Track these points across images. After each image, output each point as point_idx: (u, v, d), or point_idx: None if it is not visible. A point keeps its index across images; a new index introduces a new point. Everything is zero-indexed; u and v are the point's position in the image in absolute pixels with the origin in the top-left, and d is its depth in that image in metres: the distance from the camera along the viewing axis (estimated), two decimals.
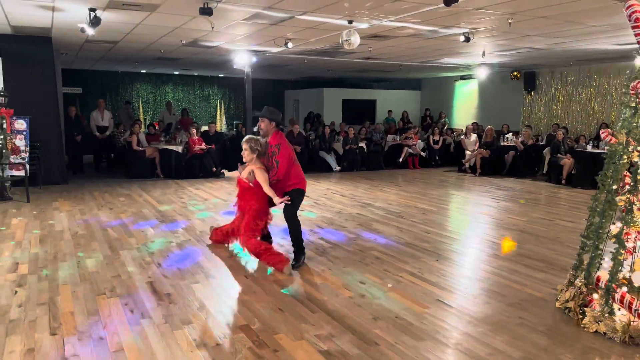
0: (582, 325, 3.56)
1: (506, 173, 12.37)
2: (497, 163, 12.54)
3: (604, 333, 3.43)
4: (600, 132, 4.07)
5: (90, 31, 6.96)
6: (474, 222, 7.28)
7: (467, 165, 12.89)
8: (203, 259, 5.20)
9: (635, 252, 3.68)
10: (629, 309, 3.40)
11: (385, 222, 7.03)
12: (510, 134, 13.39)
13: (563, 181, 10.82)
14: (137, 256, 5.25)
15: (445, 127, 16.14)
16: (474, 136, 13.26)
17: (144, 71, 17.89)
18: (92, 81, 17.28)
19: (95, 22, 6.79)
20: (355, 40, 7.54)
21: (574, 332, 3.51)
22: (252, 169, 5.05)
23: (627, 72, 3.85)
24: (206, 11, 6.45)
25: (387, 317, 3.73)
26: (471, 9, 6.83)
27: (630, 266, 3.65)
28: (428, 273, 4.79)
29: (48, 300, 3.99)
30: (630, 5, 3.66)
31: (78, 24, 7.13)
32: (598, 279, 3.76)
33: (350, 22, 7.57)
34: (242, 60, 11.28)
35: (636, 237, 3.65)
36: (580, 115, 14.04)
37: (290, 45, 9.49)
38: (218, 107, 20.17)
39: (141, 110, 18.48)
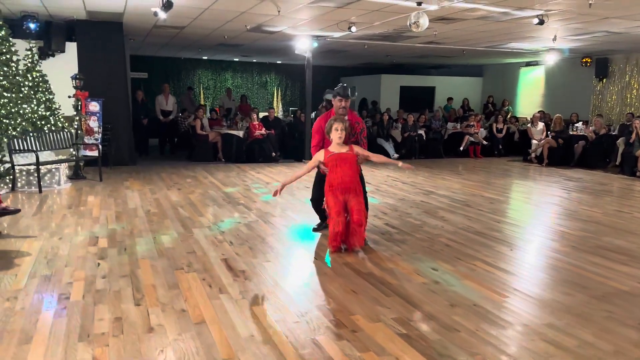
0: None
1: (575, 164, 11.80)
2: (566, 153, 11.99)
3: None
4: None
5: (162, 15, 7.13)
6: (545, 213, 6.99)
7: (533, 155, 12.40)
8: (272, 240, 5.26)
9: None
10: None
11: (452, 210, 6.87)
12: (580, 123, 12.74)
13: (638, 173, 10.21)
14: (209, 234, 5.37)
15: (509, 115, 15.56)
16: (541, 125, 12.72)
17: (205, 58, 18.27)
18: (156, 67, 17.83)
19: (167, 5, 6.94)
20: (424, 22, 7.34)
21: None
22: (358, 151, 4.89)
23: None
24: None
25: (464, 305, 3.63)
26: None
27: None
28: (502, 262, 4.63)
29: (129, 272, 4.15)
30: None
31: (151, 7, 7.31)
32: None
33: (419, 3, 7.37)
34: (304, 45, 11.28)
35: None
36: None
37: (354, 29, 9.38)
38: (275, 94, 20.34)
39: (202, 96, 18.90)
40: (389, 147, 12.89)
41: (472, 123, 13.64)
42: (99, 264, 4.35)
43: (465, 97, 17.28)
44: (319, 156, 4.98)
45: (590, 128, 12.04)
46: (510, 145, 13.96)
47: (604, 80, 14.52)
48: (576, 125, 12.68)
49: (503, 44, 12.43)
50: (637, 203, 7.61)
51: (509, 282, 4.13)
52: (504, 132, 13.98)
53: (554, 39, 11.07)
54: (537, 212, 7.12)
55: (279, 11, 8.13)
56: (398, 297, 3.74)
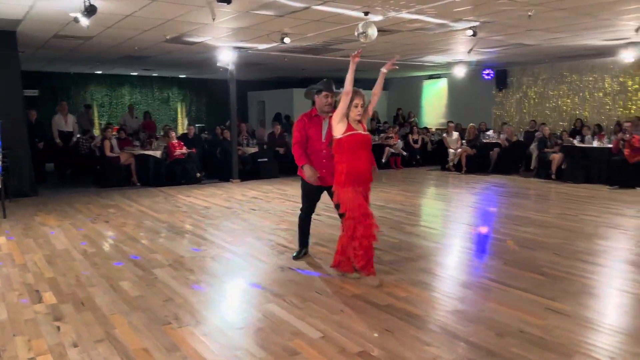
0: None
1: (492, 170, 12.40)
2: (482, 160, 12.56)
3: None
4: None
5: (85, 21, 6.12)
6: (506, 220, 7.06)
7: (451, 163, 12.82)
8: (253, 273, 4.60)
9: None
10: None
11: (415, 223, 6.68)
12: (491, 131, 13.47)
13: (553, 176, 10.94)
14: (175, 274, 4.57)
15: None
16: (455, 134, 13.23)
17: (99, 72, 16.62)
18: (44, 83, 15.83)
19: (90, 10, 5.97)
20: (373, 32, 7.10)
21: None
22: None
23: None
24: None
25: (510, 332, 3.33)
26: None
27: None
28: (512, 279, 4.43)
29: (105, 335, 3.29)
30: None
31: (70, 13, 6.25)
32: None
33: (366, 13, 7.17)
34: (226, 57, 10.58)
35: None
36: (553, 112, 14.38)
37: (287, 40, 8.95)
38: (179, 110, 19.14)
39: (96, 114, 17.17)
40: None
41: (391, 135, 13.83)
42: (59, 328, 3.41)
43: (375, 110, 17.58)
44: (341, 127, 4.06)
45: (502, 136, 12.75)
46: (426, 156, 14.38)
47: (503, 90, 15.58)
48: (487, 133, 13.38)
49: (419, 57, 12.78)
50: (575, 205, 8.01)
51: (535, 301, 3.93)
52: (419, 142, 14.37)
53: (469, 51, 11.59)
54: (497, 219, 7.18)
55: (213, 18, 7.45)
56: (437, 331, 3.35)
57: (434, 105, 17.94)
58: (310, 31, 8.69)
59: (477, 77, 15.75)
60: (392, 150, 13.63)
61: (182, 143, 11.17)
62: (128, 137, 12.03)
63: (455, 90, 17.03)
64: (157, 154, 10.97)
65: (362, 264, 4.16)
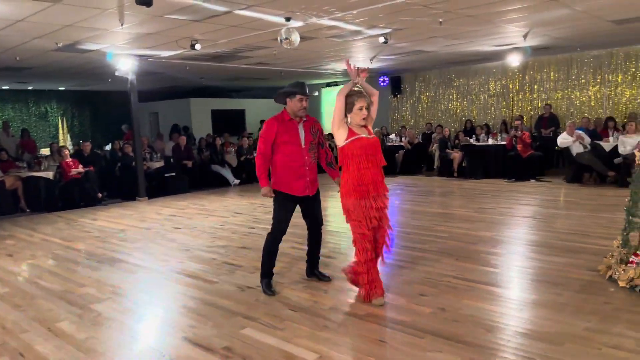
0: None
1: (399, 172, 12.90)
2: (388, 163, 12.99)
3: None
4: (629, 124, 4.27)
5: None
6: (437, 216, 7.29)
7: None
8: (215, 294, 4.21)
9: None
10: None
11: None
12: (394, 134, 14.03)
13: (455, 174, 11.65)
14: (121, 308, 4.03)
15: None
16: None
17: None
18: None
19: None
20: (296, 38, 7.00)
21: None
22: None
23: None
24: (144, 1, 5.35)
25: (496, 328, 3.39)
26: (413, 6, 6.86)
27: None
28: (468, 273, 4.55)
29: None
30: None
31: None
32: None
33: (288, 19, 7.03)
34: (126, 66, 9.78)
35: None
36: (444, 114, 15.37)
37: (198, 46, 8.49)
38: (60, 125, 17.38)
39: None
40: (226, 173, 12.11)
41: None
42: None
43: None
44: (341, 134, 3.73)
45: (404, 139, 13.33)
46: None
47: (398, 96, 16.34)
48: (390, 137, 13.92)
49: (322, 65, 12.91)
50: (488, 199, 8.55)
51: (492, 292, 4.06)
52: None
53: (372, 59, 11.98)
54: (426, 217, 7.38)
55: (122, 24, 6.82)
56: (430, 335, 3.30)
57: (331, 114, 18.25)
58: (224, 37, 8.33)
59: (373, 84, 16.33)
60: None
61: (77, 161, 10.10)
62: (10, 158, 10.62)
63: None
64: (49, 175, 9.82)
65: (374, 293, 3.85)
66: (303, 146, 4.19)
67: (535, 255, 5.02)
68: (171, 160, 11.59)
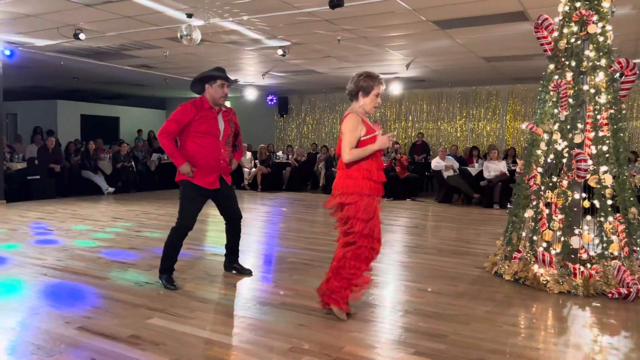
0: (547, 288, 4.11)
1: (285, 188, 12.98)
2: (275, 179, 13.06)
3: (568, 291, 4.05)
4: (526, 123, 4.80)
5: None
6: (328, 225, 7.41)
7: (246, 182, 12.97)
8: (96, 290, 3.78)
9: (552, 223, 4.47)
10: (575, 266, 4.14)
11: (292, 238, 6.52)
12: (281, 152, 14.15)
13: None
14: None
15: None
16: (249, 154, 13.47)
17: None
18: None
19: None
20: (197, 36, 6.82)
21: (544, 294, 4.03)
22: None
23: (543, 73, 4.70)
24: None
25: (411, 312, 3.52)
26: (317, 20, 7.08)
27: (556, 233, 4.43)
28: (374, 270, 4.66)
29: None
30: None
31: None
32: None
33: (189, 15, 6.81)
34: None
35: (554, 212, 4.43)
36: (328, 136, 15.92)
37: (82, 36, 7.80)
38: None
39: None
40: (100, 180, 11.15)
41: None
42: None
43: (151, 130, 16.60)
44: (360, 128, 3.27)
45: (291, 157, 13.50)
46: None
47: (285, 116, 16.59)
48: (277, 154, 14.01)
49: None
50: (385, 213, 8.92)
51: (410, 285, 4.23)
52: None
53: (264, 75, 12.06)
54: (332, 226, 7.47)
55: None
56: (353, 321, 3.31)
57: None
58: (113, 29, 7.80)
59: (261, 102, 16.35)
60: None
61: None
62: None
63: (241, 113, 17.28)
64: None
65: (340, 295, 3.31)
66: (220, 139, 4.00)
67: (428, 257, 5.33)
68: (36, 162, 10.39)
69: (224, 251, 4.44)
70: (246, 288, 4.01)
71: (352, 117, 3.34)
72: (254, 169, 12.99)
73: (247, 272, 4.37)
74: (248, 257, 5.02)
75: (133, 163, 12.01)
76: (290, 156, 13.63)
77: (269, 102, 16.09)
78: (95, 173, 11.26)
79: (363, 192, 3.26)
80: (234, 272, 4.38)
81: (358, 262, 3.27)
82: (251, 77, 12.67)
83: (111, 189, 11.11)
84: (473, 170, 10.98)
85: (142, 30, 7.79)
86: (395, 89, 12.46)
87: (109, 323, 3.13)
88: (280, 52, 8.77)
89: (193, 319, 3.24)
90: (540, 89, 4.65)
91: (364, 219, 3.24)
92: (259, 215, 8.46)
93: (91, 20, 7.27)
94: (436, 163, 11.05)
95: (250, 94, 14.05)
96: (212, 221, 7.11)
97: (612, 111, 4.28)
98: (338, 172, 3.43)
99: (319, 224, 7.75)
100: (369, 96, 3.38)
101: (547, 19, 4.52)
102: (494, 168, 10.26)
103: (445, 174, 10.86)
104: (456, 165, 11.05)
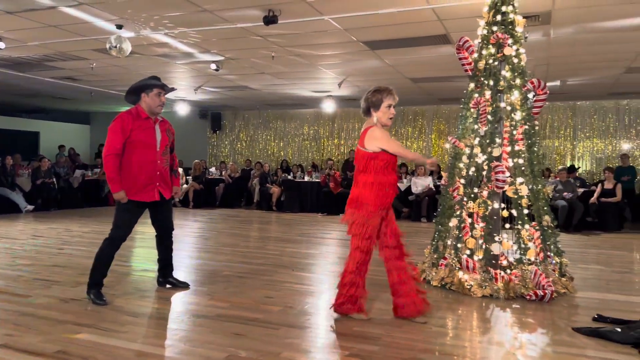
0: (471, 292, 4.35)
1: (218, 204, 12.80)
2: (208, 195, 12.86)
3: (490, 295, 4.31)
4: (449, 137, 5.08)
5: None
6: (263, 240, 7.39)
7: (177, 199, 12.65)
8: (17, 308, 3.57)
9: (474, 231, 4.75)
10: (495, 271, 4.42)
11: (224, 252, 6.38)
12: (214, 168, 13.96)
13: (274, 207, 12.06)
14: None
15: None
16: (180, 170, 13.15)
17: None
18: None
19: None
20: (127, 47, 6.65)
21: (468, 298, 4.26)
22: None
23: (464, 91, 5.01)
24: None
25: (343, 318, 3.61)
26: (252, 36, 7.16)
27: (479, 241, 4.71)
28: (306, 280, 4.74)
29: None
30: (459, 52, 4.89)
31: None
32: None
33: (119, 27, 6.66)
34: None
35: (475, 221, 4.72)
36: (262, 153, 15.92)
37: (2, 45, 7.40)
38: None
39: None
40: (17, 198, 10.47)
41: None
42: None
43: (72, 147, 15.81)
44: (387, 138, 3.40)
45: (225, 172, 13.37)
46: None
47: (218, 132, 16.43)
48: (210, 170, 13.82)
49: None
50: (307, 227, 9.02)
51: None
52: None
53: (197, 90, 11.93)
54: (267, 240, 7.43)
55: None
56: (285, 328, 3.34)
57: None
58: (37, 39, 7.46)
59: (193, 118, 16.09)
60: None
61: None
62: None
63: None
64: None
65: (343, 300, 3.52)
66: (158, 149, 3.92)
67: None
68: None
69: (153, 267, 4.33)
70: (180, 302, 3.93)
71: (376, 128, 3.44)
72: (185, 186, 12.72)
73: (184, 285, 4.28)
74: (181, 272, 4.91)
75: (54, 179, 11.40)
76: (223, 172, 13.49)
77: (202, 118, 15.90)
78: (12, 190, 10.57)
79: (377, 203, 3.42)
80: (168, 286, 4.28)
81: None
82: (183, 92, 12.49)
83: (30, 207, 10.46)
84: (402, 185, 11.37)
85: (67, 41, 7.52)
86: (329, 107, 12.73)
87: (33, 340, 2.96)
88: (213, 66, 8.75)
89: (124, 333, 3.14)
90: (461, 106, 4.96)
91: (372, 224, 3.47)
92: (191, 231, 8.31)
93: (12, 28, 6.93)
94: None
95: (182, 109, 13.82)
96: (140, 238, 6.91)
97: (526, 127, 4.66)
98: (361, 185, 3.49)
99: (253, 238, 7.74)
100: (380, 109, 3.47)
101: (467, 40, 4.87)
102: (421, 183, 10.71)
103: None
104: None
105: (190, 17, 6.36)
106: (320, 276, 4.99)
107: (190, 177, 12.90)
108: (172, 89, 4.10)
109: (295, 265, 5.41)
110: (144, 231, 8.23)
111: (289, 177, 12.59)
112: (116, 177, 3.75)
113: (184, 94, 12.89)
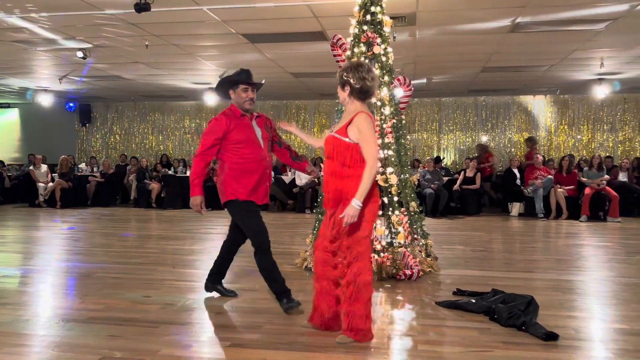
0: None
1: (90, 203, 11.97)
2: (77, 194, 11.96)
3: None
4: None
5: None
6: (141, 239, 7.07)
7: (42, 199, 11.61)
8: None
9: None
10: None
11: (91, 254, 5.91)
12: (84, 164, 13.01)
13: (153, 204, 11.58)
14: None
15: None
16: (44, 167, 12.11)
17: None
18: None
19: None
20: None
21: None
22: None
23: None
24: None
25: (227, 310, 3.62)
26: (119, 22, 6.79)
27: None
28: (188, 276, 4.66)
29: None
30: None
31: None
32: None
33: None
34: None
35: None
36: (139, 147, 15.14)
37: None
38: None
39: None
40: None
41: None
42: None
43: None
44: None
45: (97, 169, 12.52)
46: (5, 192, 12.44)
47: (88, 125, 15.29)
48: (80, 166, 12.86)
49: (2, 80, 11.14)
50: (203, 224, 8.81)
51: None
52: None
53: (62, 79, 11.00)
54: (145, 239, 7.08)
55: None
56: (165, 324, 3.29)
57: (3, 138, 15.69)
58: None
59: (59, 109, 14.80)
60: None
61: None
62: None
63: (33, 122, 15.35)
64: None
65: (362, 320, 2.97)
66: (262, 146, 3.62)
67: (245, 259, 5.47)
68: None
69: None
70: (47, 307, 3.67)
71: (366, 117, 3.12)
72: (50, 184, 11.70)
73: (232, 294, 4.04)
74: (47, 276, 4.57)
75: None
76: (95, 168, 12.62)
77: (69, 109, 14.70)
78: None
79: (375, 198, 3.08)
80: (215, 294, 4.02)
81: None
82: (45, 81, 11.46)
83: None
84: (287, 178, 11.56)
85: None
86: (210, 100, 12.48)
87: None
88: (80, 54, 8.13)
89: None
90: (337, 101, 5.19)
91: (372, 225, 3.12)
92: (58, 233, 7.70)
93: None
94: None
95: (45, 100, 12.64)
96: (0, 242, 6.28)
97: (394, 121, 5.02)
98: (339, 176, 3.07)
99: (130, 238, 7.37)
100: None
101: (340, 38, 5.10)
102: (305, 176, 10.97)
103: None
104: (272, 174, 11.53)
105: (51, 1, 5.85)
106: (203, 272, 4.89)
107: (57, 174, 11.88)
108: (261, 84, 3.68)
109: (176, 262, 5.28)
110: (5, 234, 7.48)
111: (170, 172, 12.16)
112: (197, 179, 3.61)
113: (47, 84, 11.81)
